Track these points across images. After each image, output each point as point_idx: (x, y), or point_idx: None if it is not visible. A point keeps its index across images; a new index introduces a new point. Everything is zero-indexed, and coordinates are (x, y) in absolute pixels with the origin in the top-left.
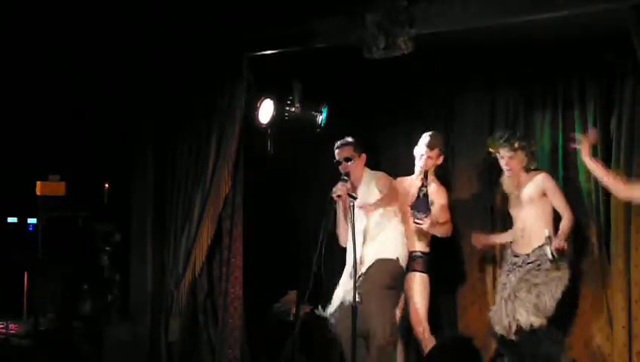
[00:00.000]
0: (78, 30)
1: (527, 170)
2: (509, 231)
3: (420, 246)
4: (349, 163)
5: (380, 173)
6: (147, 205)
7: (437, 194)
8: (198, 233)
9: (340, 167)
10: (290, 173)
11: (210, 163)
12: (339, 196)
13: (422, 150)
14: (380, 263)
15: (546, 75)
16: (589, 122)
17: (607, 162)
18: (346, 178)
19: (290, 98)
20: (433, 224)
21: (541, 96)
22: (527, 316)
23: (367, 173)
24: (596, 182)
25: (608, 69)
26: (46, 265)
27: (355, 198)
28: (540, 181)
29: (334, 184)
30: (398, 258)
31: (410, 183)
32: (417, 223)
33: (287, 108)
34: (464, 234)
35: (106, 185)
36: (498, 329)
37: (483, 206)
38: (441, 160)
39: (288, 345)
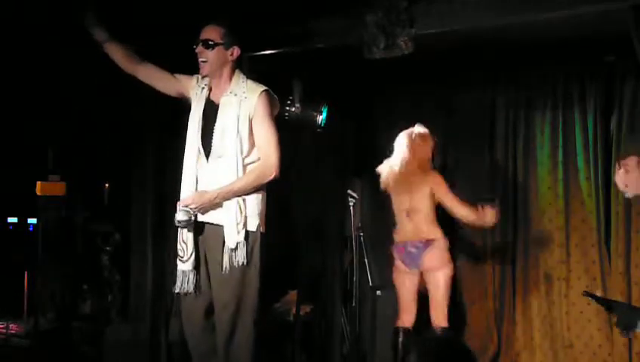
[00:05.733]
0: (79, 30)
1: None
2: None
3: None
4: (208, 50)
5: (269, 93)
6: (147, 205)
7: None
8: None
9: (197, 50)
10: (290, 172)
11: None
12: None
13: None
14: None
15: (546, 75)
16: (589, 122)
17: (607, 162)
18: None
19: (290, 98)
20: None
21: (541, 96)
22: None
23: (241, 82)
24: (596, 182)
25: (608, 69)
26: (46, 265)
27: (355, 199)
28: None
29: (335, 183)
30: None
31: None
32: None
33: (287, 108)
34: (464, 235)
35: (106, 185)
36: None
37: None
38: None
39: (288, 345)
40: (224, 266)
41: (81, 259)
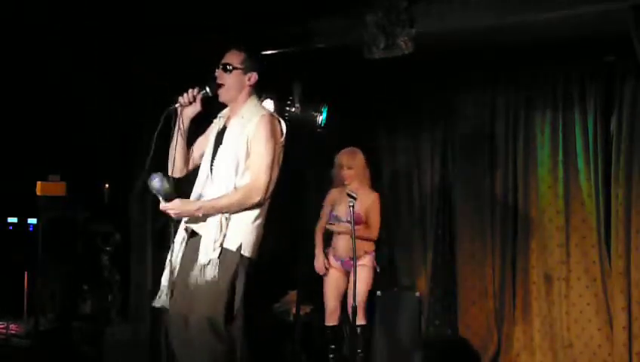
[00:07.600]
0: (79, 30)
1: None
2: None
3: None
4: (226, 73)
5: (273, 117)
6: (147, 205)
7: None
8: None
9: (217, 73)
10: (290, 172)
11: None
12: (181, 105)
13: None
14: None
15: (546, 75)
16: (589, 122)
17: (607, 163)
18: (207, 90)
19: (290, 98)
20: None
21: (541, 96)
22: None
23: (252, 106)
24: (597, 182)
25: (608, 69)
26: (46, 265)
27: (355, 199)
28: None
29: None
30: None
31: None
32: None
33: (287, 108)
34: (464, 236)
35: (106, 185)
36: None
37: (483, 205)
38: None
39: (288, 345)
40: (196, 280)
41: (81, 259)
